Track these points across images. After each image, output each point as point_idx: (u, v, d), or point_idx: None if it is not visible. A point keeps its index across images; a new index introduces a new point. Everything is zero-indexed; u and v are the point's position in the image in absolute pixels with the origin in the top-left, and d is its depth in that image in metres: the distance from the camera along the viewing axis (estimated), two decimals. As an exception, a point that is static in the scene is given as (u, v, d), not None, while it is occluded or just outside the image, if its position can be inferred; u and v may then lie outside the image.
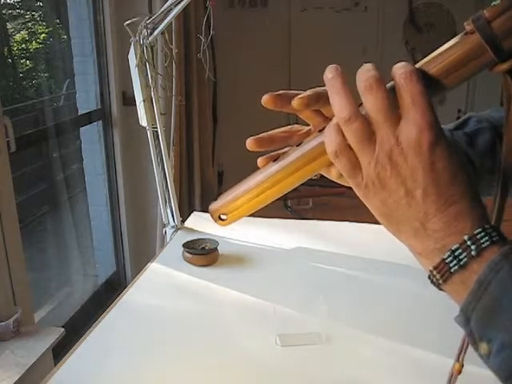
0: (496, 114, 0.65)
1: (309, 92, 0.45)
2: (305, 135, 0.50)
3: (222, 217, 0.50)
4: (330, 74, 0.42)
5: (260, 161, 0.50)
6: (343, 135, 0.40)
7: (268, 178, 0.47)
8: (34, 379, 1.39)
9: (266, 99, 0.47)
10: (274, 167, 0.47)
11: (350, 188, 0.43)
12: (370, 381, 0.92)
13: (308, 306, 1.10)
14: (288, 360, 0.96)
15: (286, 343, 0.99)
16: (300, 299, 1.16)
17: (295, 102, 0.45)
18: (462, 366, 0.41)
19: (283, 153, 0.48)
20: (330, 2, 3.43)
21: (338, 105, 0.40)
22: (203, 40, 1.55)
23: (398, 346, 0.99)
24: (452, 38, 0.40)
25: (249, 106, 3.43)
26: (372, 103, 0.39)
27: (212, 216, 0.51)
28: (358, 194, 0.42)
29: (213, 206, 0.51)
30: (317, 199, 2.65)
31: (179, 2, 1.37)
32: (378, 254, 1.34)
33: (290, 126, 0.52)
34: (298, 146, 0.46)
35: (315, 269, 1.32)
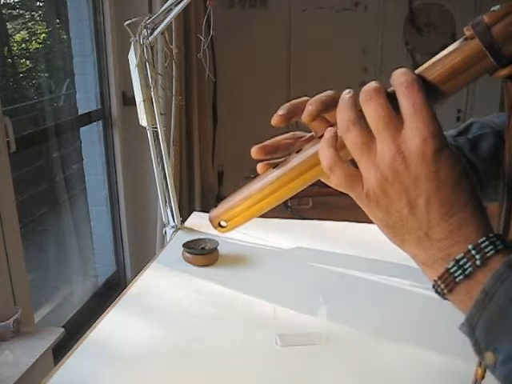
0: (498, 119, 0.65)
1: (315, 104, 0.46)
2: (307, 142, 0.50)
3: (222, 224, 0.50)
4: (345, 94, 0.42)
5: (259, 167, 0.50)
6: (335, 149, 0.41)
7: (267, 185, 0.47)
8: (34, 379, 1.39)
9: (276, 121, 0.48)
10: (274, 174, 0.47)
11: None
12: (370, 381, 0.92)
13: (308, 305, 1.10)
14: (288, 360, 0.96)
15: (286, 343, 0.99)
16: (300, 299, 1.16)
17: (305, 117, 0.45)
18: (485, 370, 0.41)
19: (283, 160, 0.48)
20: (329, 2, 3.43)
21: (340, 117, 0.41)
22: (203, 40, 1.55)
23: (398, 346, 0.99)
24: (452, 39, 0.39)
25: (249, 106, 3.45)
26: (371, 111, 0.39)
27: (212, 223, 0.51)
28: (361, 206, 0.42)
29: (212, 213, 0.51)
30: (317, 199, 2.66)
31: (179, 2, 1.37)
32: (378, 254, 1.34)
33: (292, 133, 0.52)
34: (297, 152, 0.46)
35: (315, 269, 1.32)
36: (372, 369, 0.94)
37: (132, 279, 1.28)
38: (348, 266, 1.30)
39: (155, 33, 1.45)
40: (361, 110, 0.40)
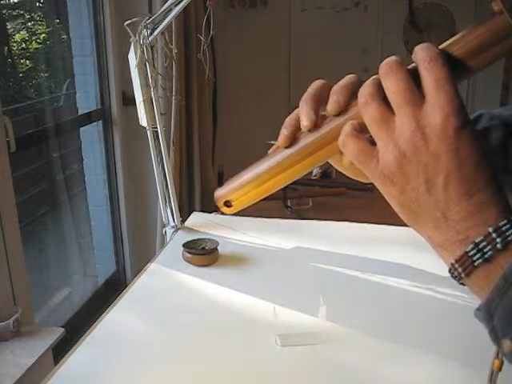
0: (507, 112, 0.64)
1: (342, 94, 0.43)
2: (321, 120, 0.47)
3: (228, 203, 0.49)
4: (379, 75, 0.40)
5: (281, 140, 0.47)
6: (353, 126, 0.40)
7: (278, 163, 0.46)
8: (34, 379, 1.39)
9: (282, 141, 0.46)
10: (285, 152, 0.46)
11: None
12: (370, 381, 0.92)
13: (308, 305, 1.10)
14: (288, 360, 0.96)
15: (286, 343, 0.99)
16: (300, 299, 1.16)
17: (334, 109, 0.43)
18: (502, 362, 0.38)
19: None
20: (329, 2, 3.43)
21: (360, 92, 0.40)
22: (203, 40, 1.55)
23: (398, 346, 0.99)
24: (452, 38, 0.39)
25: (249, 106, 3.45)
26: (392, 85, 0.37)
27: (217, 203, 0.50)
28: (375, 184, 0.40)
29: (218, 192, 0.49)
30: (317, 199, 2.66)
31: (179, 2, 1.37)
32: (378, 254, 1.34)
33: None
34: (309, 131, 0.45)
35: (315, 269, 1.32)
36: (372, 369, 0.94)
37: (132, 279, 1.28)
38: (348, 266, 1.30)
39: (155, 33, 1.45)
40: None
